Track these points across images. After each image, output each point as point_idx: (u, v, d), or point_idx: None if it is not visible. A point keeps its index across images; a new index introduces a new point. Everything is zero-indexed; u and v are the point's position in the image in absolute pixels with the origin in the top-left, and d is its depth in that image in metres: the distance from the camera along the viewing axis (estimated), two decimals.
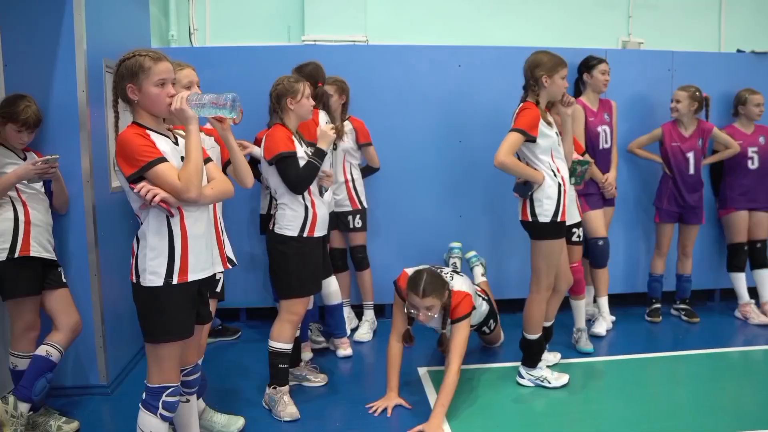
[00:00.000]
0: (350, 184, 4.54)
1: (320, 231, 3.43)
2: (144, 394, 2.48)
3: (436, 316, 3.42)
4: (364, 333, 4.60)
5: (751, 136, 5.06)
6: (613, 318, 4.84)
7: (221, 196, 2.60)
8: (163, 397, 2.44)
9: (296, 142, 3.37)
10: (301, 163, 3.32)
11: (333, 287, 4.11)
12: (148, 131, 2.37)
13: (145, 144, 2.31)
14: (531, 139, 3.45)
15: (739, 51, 5.43)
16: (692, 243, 4.98)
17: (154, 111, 2.38)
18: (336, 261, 4.56)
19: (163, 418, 2.46)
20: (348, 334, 4.37)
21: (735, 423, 3.28)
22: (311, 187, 3.38)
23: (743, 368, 4.18)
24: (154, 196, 2.27)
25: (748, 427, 3.23)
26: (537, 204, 3.50)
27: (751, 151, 5.03)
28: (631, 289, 5.31)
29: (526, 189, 3.50)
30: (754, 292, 5.11)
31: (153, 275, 2.36)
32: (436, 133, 4.92)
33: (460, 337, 3.41)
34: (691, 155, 4.79)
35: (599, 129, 4.60)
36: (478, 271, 4.66)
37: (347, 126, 4.46)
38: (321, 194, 3.46)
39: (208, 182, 2.52)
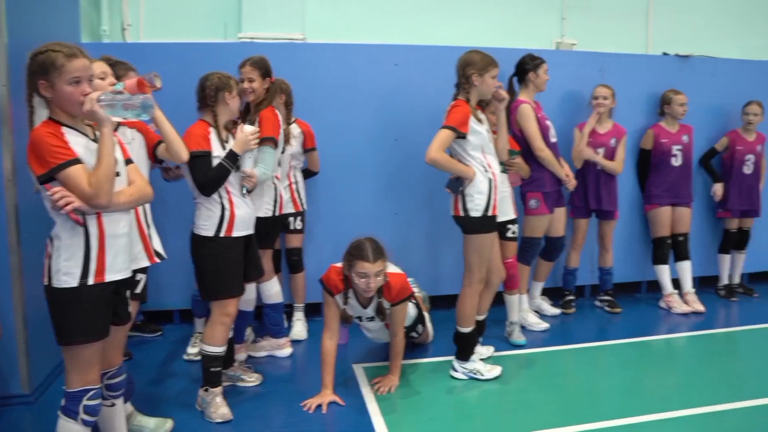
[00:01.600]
0: (293, 186, 4.53)
1: (240, 230, 3.36)
2: (63, 401, 2.40)
3: (384, 280, 3.49)
4: (300, 331, 4.60)
5: (676, 135, 5.28)
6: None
7: (137, 202, 2.54)
8: (84, 401, 2.37)
9: (215, 141, 3.32)
10: (216, 163, 3.27)
11: (275, 288, 4.11)
12: (63, 128, 2.28)
13: (56, 144, 2.22)
14: (461, 136, 3.53)
15: (664, 54, 5.64)
16: (610, 237, 5.19)
17: (67, 110, 2.30)
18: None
19: (85, 423, 2.39)
20: (287, 334, 4.36)
21: (659, 405, 3.44)
22: (232, 186, 3.35)
23: (666, 354, 4.41)
24: (66, 204, 2.21)
25: (672, 408, 3.40)
26: (468, 199, 3.58)
27: (675, 149, 5.25)
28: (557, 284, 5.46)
29: (457, 184, 3.58)
30: (679, 284, 5.37)
31: (67, 276, 2.29)
32: (372, 131, 4.97)
33: (401, 314, 3.65)
34: (601, 152, 4.98)
35: (548, 122, 4.68)
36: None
37: (295, 130, 4.44)
38: (243, 193, 3.41)
39: (128, 185, 2.47)
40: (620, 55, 5.47)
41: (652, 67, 5.50)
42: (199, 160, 3.23)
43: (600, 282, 5.34)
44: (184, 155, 2.80)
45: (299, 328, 4.63)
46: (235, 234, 3.34)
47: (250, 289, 3.90)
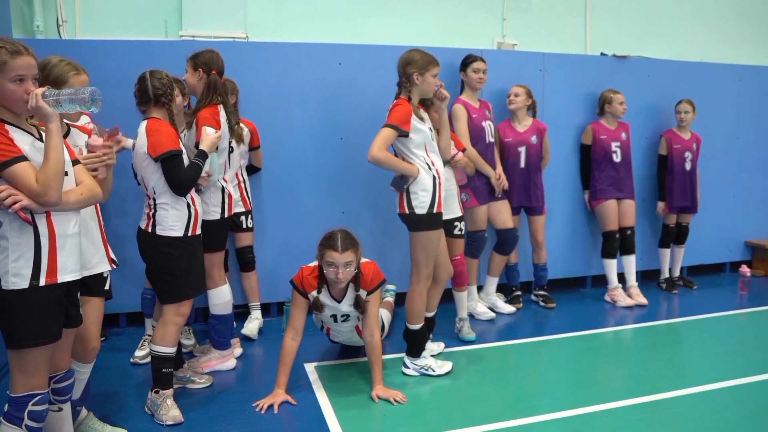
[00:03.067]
0: (242, 185, 4.49)
1: (199, 228, 3.35)
2: (6, 406, 2.30)
3: (354, 272, 3.44)
4: (253, 329, 4.52)
5: (615, 132, 5.41)
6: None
7: (88, 202, 2.46)
8: (29, 407, 2.28)
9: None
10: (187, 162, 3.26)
11: (226, 296, 3.88)
12: (6, 126, 2.21)
13: (1, 142, 2.16)
14: (403, 134, 3.53)
15: (602, 54, 5.78)
16: (542, 233, 5.26)
17: (11, 108, 2.23)
18: None
19: (30, 429, 2.29)
20: (231, 346, 4.09)
21: (607, 396, 3.50)
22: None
23: (612, 346, 4.49)
24: (14, 203, 2.13)
25: (620, 398, 3.47)
26: (413, 197, 3.58)
27: (614, 146, 5.38)
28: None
29: (402, 182, 3.58)
30: (623, 278, 5.48)
31: (16, 277, 2.20)
32: (317, 130, 4.92)
33: (374, 308, 3.59)
34: (522, 150, 5.05)
35: (483, 124, 4.75)
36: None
37: (243, 129, 4.36)
38: (199, 192, 3.41)
39: (76, 185, 2.39)
40: (560, 55, 5.58)
41: (591, 67, 5.63)
42: (179, 159, 3.17)
43: (535, 278, 5.42)
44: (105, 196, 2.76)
45: (254, 326, 4.54)
46: (198, 232, 3.34)
47: (225, 291, 3.84)
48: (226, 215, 3.81)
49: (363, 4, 5.80)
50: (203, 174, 3.39)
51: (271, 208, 4.90)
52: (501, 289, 5.32)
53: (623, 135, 5.43)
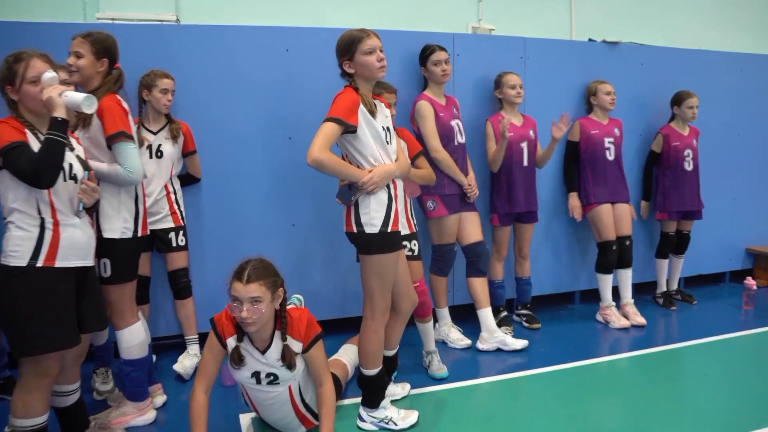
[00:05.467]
0: (172, 196, 3.82)
1: (70, 259, 2.54)
2: None
3: (263, 311, 2.63)
4: (188, 366, 3.80)
5: (607, 127, 4.76)
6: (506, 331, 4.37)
7: None
8: None
9: (30, 135, 2.51)
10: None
11: (139, 337, 3.11)
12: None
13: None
14: (350, 129, 2.81)
15: (590, 40, 5.10)
16: (529, 243, 4.61)
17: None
18: (137, 291, 3.75)
19: None
20: (149, 395, 3.32)
21: None
22: (59, 201, 2.53)
23: (607, 382, 3.73)
24: None
25: None
26: (363, 211, 2.86)
27: (607, 142, 4.72)
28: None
29: (350, 193, 2.85)
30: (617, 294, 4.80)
31: None
32: (262, 128, 4.19)
33: (320, 357, 2.84)
34: (524, 146, 4.37)
35: (452, 123, 4.08)
36: None
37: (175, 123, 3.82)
38: (77, 213, 2.60)
39: None
40: (543, 40, 4.89)
41: (578, 54, 4.96)
42: (19, 149, 2.38)
43: (517, 294, 4.74)
44: None
45: (188, 363, 3.82)
46: (61, 264, 2.50)
47: (137, 331, 3.09)
48: (139, 233, 3.06)
49: None
50: (83, 183, 2.62)
51: (210, 223, 4.15)
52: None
53: (616, 131, 4.77)
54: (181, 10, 4.60)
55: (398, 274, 3.04)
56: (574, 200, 4.80)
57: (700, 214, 5.15)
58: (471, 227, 4.17)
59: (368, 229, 2.84)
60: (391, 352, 3.28)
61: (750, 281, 5.12)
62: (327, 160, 2.72)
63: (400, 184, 3.02)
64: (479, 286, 4.15)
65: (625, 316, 4.70)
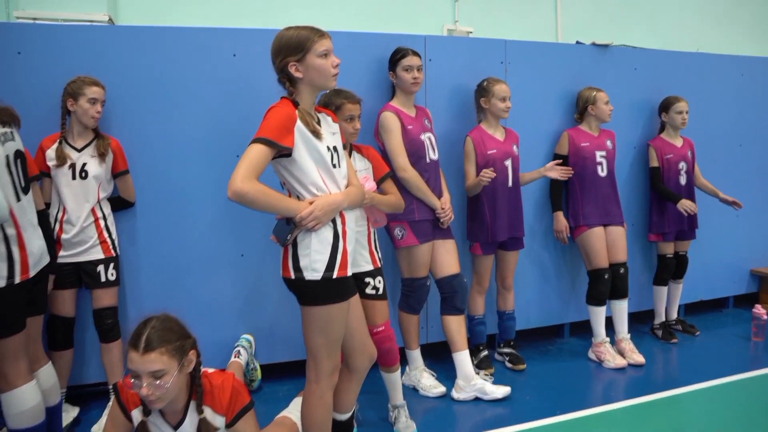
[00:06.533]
0: (101, 222, 3.29)
1: None
2: None
3: (167, 386, 2.09)
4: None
5: (598, 140, 4.25)
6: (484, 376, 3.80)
7: None
8: None
9: None
10: None
11: (31, 401, 2.54)
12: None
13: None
14: (283, 152, 2.27)
15: (578, 43, 4.60)
16: (513, 273, 4.08)
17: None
18: (56, 335, 3.21)
19: None
20: None
21: None
22: None
23: None
24: None
25: None
26: (302, 253, 2.32)
27: (599, 156, 4.21)
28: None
29: (287, 230, 2.31)
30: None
31: None
32: (206, 145, 3.64)
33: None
34: (509, 164, 3.86)
35: (422, 137, 3.55)
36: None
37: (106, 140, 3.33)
38: None
39: None
40: (526, 43, 4.38)
41: (565, 58, 4.44)
42: None
43: (500, 330, 4.19)
44: None
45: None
46: None
47: (27, 395, 2.52)
48: (17, 280, 2.48)
49: None
50: None
51: (146, 253, 3.60)
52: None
53: (608, 143, 4.26)
54: (117, 10, 4.05)
55: (351, 326, 2.50)
56: (559, 221, 4.27)
57: (693, 234, 4.65)
58: (446, 257, 3.63)
59: (309, 275, 2.30)
60: (344, 416, 2.74)
61: (759, 310, 4.61)
62: (252, 192, 2.17)
63: (352, 216, 2.49)
64: (455, 325, 3.61)
65: (621, 354, 4.17)
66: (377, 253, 3.14)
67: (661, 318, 4.70)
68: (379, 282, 3.09)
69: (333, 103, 3.06)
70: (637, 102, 4.68)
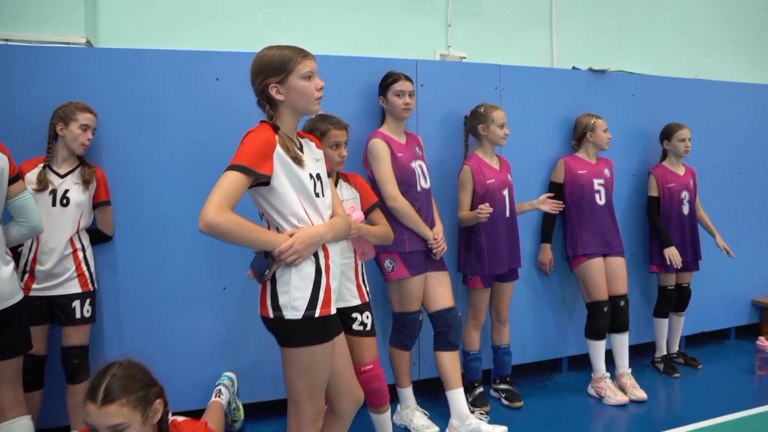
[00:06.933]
0: (80, 254, 3.13)
1: None
2: None
3: None
4: None
5: (596, 167, 4.12)
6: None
7: None
8: None
9: None
10: None
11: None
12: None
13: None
14: (262, 181, 2.11)
15: (575, 68, 4.49)
16: (508, 305, 3.91)
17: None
18: (25, 374, 3.02)
19: None
20: None
21: None
22: None
23: None
24: None
25: None
26: (282, 290, 2.16)
27: (597, 184, 4.07)
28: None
29: (265, 265, 2.14)
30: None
31: None
32: (188, 170, 3.47)
33: None
34: (506, 193, 3.71)
35: (413, 165, 3.41)
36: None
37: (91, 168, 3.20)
38: None
39: None
40: (522, 68, 4.27)
41: (561, 83, 4.33)
42: None
43: (495, 365, 4.00)
44: None
45: None
46: None
47: None
48: None
49: (266, 5, 4.42)
50: None
51: (122, 287, 3.41)
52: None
53: (606, 172, 4.13)
54: (97, 32, 3.92)
55: (336, 367, 2.33)
56: (545, 253, 4.16)
57: (696, 265, 4.49)
58: (439, 290, 3.46)
59: (289, 314, 2.13)
60: None
61: (763, 342, 4.45)
62: (225, 224, 2.01)
63: (337, 248, 2.32)
64: (449, 362, 3.42)
65: (622, 389, 3.99)
66: (365, 286, 2.98)
67: (662, 351, 4.53)
68: (367, 317, 2.93)
69: (318, 128, 2.93)
70: (635, 129, 4.56)
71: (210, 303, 3.53)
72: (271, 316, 2.15)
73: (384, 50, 4.38)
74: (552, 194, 3.92)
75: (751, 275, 5.18)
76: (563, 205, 3.94)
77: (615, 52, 5.34)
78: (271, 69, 2.20)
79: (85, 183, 3.13)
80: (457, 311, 3.49)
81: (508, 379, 3.95)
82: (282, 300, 2.13)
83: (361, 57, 3.75)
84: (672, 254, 4.23)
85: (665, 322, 4.50)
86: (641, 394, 3.95)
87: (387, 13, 4.72)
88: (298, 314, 2.12)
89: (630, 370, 4.08)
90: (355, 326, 2.87)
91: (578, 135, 4.15)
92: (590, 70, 4.43)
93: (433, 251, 3.40)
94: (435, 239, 3.39)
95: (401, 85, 3.42)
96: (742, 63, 6.11)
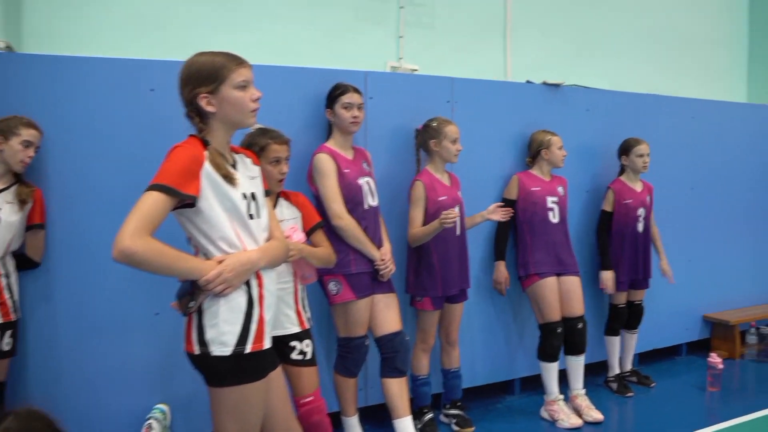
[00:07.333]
0: (3, 280, 2.87)
1: None
2: None
3: None
4: None
5: (550, 184, 4.03)
6: None
7: None
8: None
9: None
10: None
11: None
12: None
13: None
14: (186, 202, 1.93)
15: (529, 82, 4.40)
16: (458, 327, 3.77)
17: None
18: None
19: None
20: None
21: None
22: None
23: None
24: None
25: None
26: (209, 323, 1.96)
27: (550, 202, 3.97)
28: None
29: (191, 296, 1.95)
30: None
31: None
32: (120, 189, 3.16)
33: None
34: (457, 210, 3.54)
35: (361, 181, 3.25)
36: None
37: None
38: None
39: None
40: (475, 81, 4.15)
41: (515, 97, 4.24)
42: None
43: (445, 389, 3.85)
44: None
45: None
46: None
47: None
48: None
49: (209, 14, 4.22)
50: None
51: (49, 315, 3.13)
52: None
53: (560, 189, 4.04)
54: (20, 38, 3.66)
55: (271, 405, 2.14)
56: (500, 271, 4.01)
57: (647, 283, 4.45)
58: (386, 313, 3.31)
59: (216, 350, 1.94)
60: None
61: (714, 359, 4.42)
62: (142, 251, 1.81)
63: (273, 275, 2.14)
64: (396, 389, 3.27)
65: (577, 411, 3.91)
66: (305, 312, 2.81)
67: (615, 370, 4.47)
68: (307, 346, 2.76)
69: (257, 143, 2.75)
70: (589, 144, 4.49)
71: (141, 329, 3.28)
72: (197, 352, 1.95)
73: (334, 62, 4.21)
74: (502, 203, 3.80)
75: (702, 291, 5.17)
76: (512, 212, 3.81)
77: (570, 67, 5.29)
78: (202, 77, 2.01)
79: (21, 203, 2.89)
80: (405, 335, 3.34)
81: (458, 403, 3.80)
82: (209, 334, 1.94)
83: (308, 68, 3.58)
84: (606, 278, 4.19)
85: (617, 340, 4.44)
86: (597, 415, 3.86)
87: (337, 23, 4.56)
88: (226, 350, 1.93)
89: (584, 391, 4.00)
90: (294, 355, 2.70)
91: (533, 152, 4.05)
92: (544, 84, 4.35)
93: (380, 272, 3.25)
94: (382, 260, 3.23)
95: (349, 98, 3.26)
96: (694, 79, 6.15)
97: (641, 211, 4.30)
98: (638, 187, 4.36)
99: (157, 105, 3.29)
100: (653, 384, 4.51)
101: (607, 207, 4.34)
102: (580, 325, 3.95)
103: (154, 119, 3.27)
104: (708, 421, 3.89)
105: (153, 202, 1.85)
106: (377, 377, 3.47)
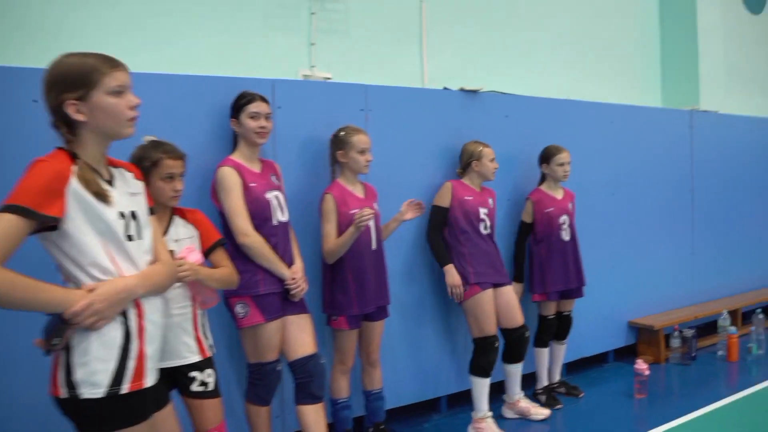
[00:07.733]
0: None
1: None
2: None
3: None
4: None
5: (481, 196, 3.93)
6: None
7: None
8: None
9: None
10: None
11: None
12: None
13: None
14: (47, 224, 1.67)
15: (446, 89, 4.28)
16: (379, 345, 3.58)
17: None
18: None
19: None
20: None
21: None
22: None
23: None
24: None
25: None
26: (78, 361, 1.71)
27: (482, 213, 3.85)
28: None
29: (57, 331, 1.69)
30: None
31: None
32: None
33: None
34: (372, 223, 3.38)
35: (269, 195, 3.04)
36: None
37: None
38: None
39: None
40: (389, 88, 4.01)
41: (432, 104, 4.11)
42: None
43: (367, 411, 3.66)
44: None
45: None
46: None
47: None
48: None
49: (105, 19, 3.92)
50: None
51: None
52: None
53: (490, 201, 3.96)
54: None
55: None
56: (453, 275, 3.78)
57: (580, 292, 4.38)
58: (300, 336, 3.09)
59: (86, 392, 1.68)
60: None
61: (641, 365, 4.38)
62: None
63: (158, 303, 1.89)
64: (312, 416, 3.05)
65: (524, 413, 3.93)
66: (206, 339, 2.57)
67: (543, 382, 4.37)
68: (209, 376, 2.52)
69: (149, 157, 2.50)
70: (510, 151, 4.39)
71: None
72: (64, 396, 1.69)
73: (242, 71, 3.96)
74: (413, 199, 3.61)
75: (627, 297, 5.17)
76: (424, 206, 3.64)
77: (488, 73, 5.21)
78: (69, 82, 1.76)
79: None
80: (320, 358, 3.12)
81: (381, 426, 3.61)
82: (78, 375, 1.68)
83: (212, 76, 3.34)
84: (516, 291, 4.08)
85: (545, 351, 4.35)
86: (545, 411, 3.97)
87: (245, 30, 4.33)
88: (98, 392, 1.68)
89: (523, 393, 3.97)
90: (195, 387, 2.46)
91: (463, 163, 3.93)
92: (462, 90, 4.25)
93: (291, 292, 3.03)
94: (293, 279, 3.02)
95: (256, 107, 3.05)
96: (611, 85, 6.20)
97: (564, 219, 4.23)
98: (559, 194, 4.30)
99: (42, 117, 2.96)
100: (581, 394, 4.45)
101: (527, 218, 4.26)
102: (527, 334, 3.89)
103: (36, 132, 2.91)
104: (636, 429, 3.86)
105: (5, 226, 1.59)
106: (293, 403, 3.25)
